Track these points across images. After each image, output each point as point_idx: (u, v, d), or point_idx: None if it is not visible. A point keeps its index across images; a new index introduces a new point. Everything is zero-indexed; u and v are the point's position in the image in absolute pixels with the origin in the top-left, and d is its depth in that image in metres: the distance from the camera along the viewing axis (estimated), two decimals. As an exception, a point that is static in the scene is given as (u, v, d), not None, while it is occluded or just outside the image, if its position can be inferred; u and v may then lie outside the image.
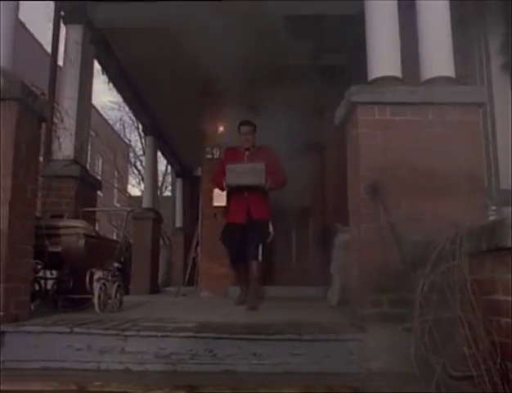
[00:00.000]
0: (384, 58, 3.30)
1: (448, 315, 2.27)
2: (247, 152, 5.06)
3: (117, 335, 2.84)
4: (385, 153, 3.09)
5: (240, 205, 4.90)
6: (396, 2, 3.31)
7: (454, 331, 2.22)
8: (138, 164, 23.68)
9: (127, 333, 2.84)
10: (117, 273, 4.31)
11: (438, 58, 3.27)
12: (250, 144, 5.07)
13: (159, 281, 10.19)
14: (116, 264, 4.35)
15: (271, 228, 4.96)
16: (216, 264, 6.48)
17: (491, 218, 2.47)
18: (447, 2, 3.30)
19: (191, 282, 7.90)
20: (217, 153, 7.02)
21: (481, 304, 2.08)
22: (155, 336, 2.82)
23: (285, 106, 5.64)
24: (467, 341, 2.11)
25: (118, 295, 4.19)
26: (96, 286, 3.86)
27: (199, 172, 9.74)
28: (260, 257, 4.76)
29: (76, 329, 2.91)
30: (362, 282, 2.95)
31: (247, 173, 4.82)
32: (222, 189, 5.05)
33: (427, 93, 3.16)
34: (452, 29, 3.30)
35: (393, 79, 3.23)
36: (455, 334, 2.22)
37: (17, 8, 3.52)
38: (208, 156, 7.17)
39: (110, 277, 4.12)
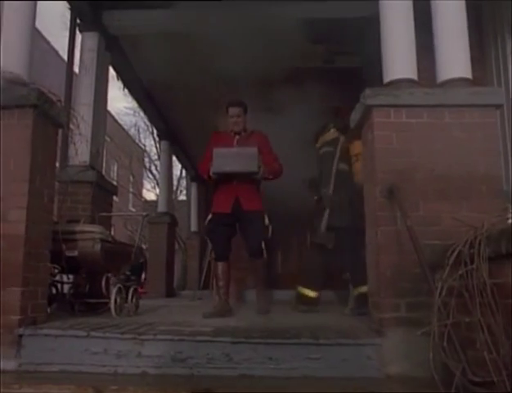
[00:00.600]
0: (399, 60, 3.27)
1: (467, 319, 2.25)
2: (237, 136, 4.48)
3: (133, 339, 2.85)
4: (401, 156, 3.07)
5: (227, 194, 4.30)
6: (411, 3, 3.29)
7: (473, 335, 2.20)
8: (153, 168, 23.87)
9: (143, 337, 2.85)
10: (133, 278, 4.34)
11: (455, 60, 3.23)
12: (240, 127, 4.49)
13: (175, 284, 10.21)
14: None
15: (267, 221, 4.38)
16: (230, 269, 6.48)
17: (511, 221, 2.43)
18: (463, 3, 3.27)
19: (207, 285, 7.91)
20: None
21: (501, 309, 2.05)
22: (172, 340, 2.82)
23: (301, 109, 5.62)
24: (487, 346, 2.08)
25: (134, 299, 4.21)
26: (113, 290, 3.88)
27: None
28: (265, 253, 4.31)
29: (93, 333, 2.93)
30: (379, 285, 2.93)
31: (237, 158, 4.22)
32: (209, 178, 4.36)
33: (443, 95, 3.12)
34: (468, 29, 3.27)
35: (409, 81, 3.20)
36: (474, 339, 2.19)
37: (34, 16, 3.57)
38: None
39: (126, 281, 4.14)
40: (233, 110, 4.48)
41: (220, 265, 4.33)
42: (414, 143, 3.09)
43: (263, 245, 4.25)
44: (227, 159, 4.18)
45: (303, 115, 5.58)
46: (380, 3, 3.36)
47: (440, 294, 2.36)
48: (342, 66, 6.29)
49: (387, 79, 3.28)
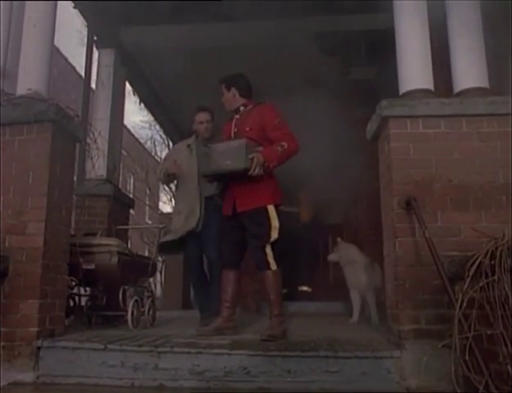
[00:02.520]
0: (415, 71, 3.25)
1: (489, 332, 2.20)
2: (236, 117, 3.73)
3: (150, 351, 2.85)
4: (419, 166, 3.04)
5: (228, 194, 3.64)
6: (426, 14, 3.29)
7: (496, 348, 2.15)
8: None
9: (160, 350, 2.85)
10: (150, 289, 4.35)
11: (471, 69, 3.21)
12: (234, 106, 3.74)
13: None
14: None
15: (273, 218, 3.45)
16: (247, 279, 6.44)
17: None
18: (479, 12, 3.26)
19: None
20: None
21: (524, 321, 2.01)
22: (189, 353, 2.81)
23: (317, 120, 5.61)
24: (510, 359, 2.04)
25: (151, 312, 4.21)
26: (129, 302, 3.89)
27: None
28: (273, 264, 3.39)
29: (110, 346, 2.93)
30: (398, 297, 2.89)
31: (221, 155, 3.42)
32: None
33: (460, 105, 3.09)
34: (485, 37, 3.25)
35: (425, 91, 3.18)
36: (497, 352, 2.14)
37: (53, 33, 3.64)
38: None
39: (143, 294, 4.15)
40: (221, 85, 3.79)
41: (225, 274, 3.60)
42: (431, 153, 3.06)
43: (270, 253, 3.40)
44: (211, 157, 3.47)
45: (318, 128, 5.57)
46: (395, 15, 3.36)
47: (461, 306, 2.33)
48: (357, 78, 6.29)
49: (403, 89, 3.27)
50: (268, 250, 3.40)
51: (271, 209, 3.47)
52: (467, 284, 2.34)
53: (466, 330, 2.29)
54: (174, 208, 4.37)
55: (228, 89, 3.74)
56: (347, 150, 5.90)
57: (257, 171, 3.31)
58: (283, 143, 3.42)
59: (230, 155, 3.37)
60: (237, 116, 3.71)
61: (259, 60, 5.37)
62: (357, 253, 4.77)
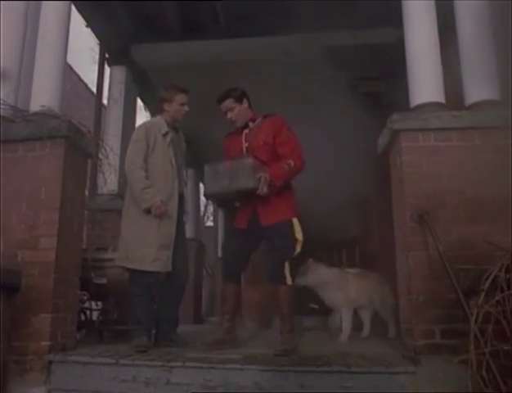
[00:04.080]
0: (426, 84, 3.26)
1: (506, 347, 2.17)
2: (245, 131, 3.61)
3: (162, 366, 2.83)
4: (431, 180, 3.03)
5: (244, 205, 3.53)
6: (436, 27, 3.30)
7: (513, 363, 2.11)
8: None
9: (172, 364, 2.83)
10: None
11: (482, 82, 3.21)
12: (242, 121, 3.60)
13: (203, 311, 10.16)
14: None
15: (298, 231, 3.42)
16: (259, 293, 6.39)
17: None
18: (490, 25, 3.26)
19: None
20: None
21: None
22: (201, 368, 2.79)
23: (327, 135, 5.61)
24: (529, 375, 2.00)
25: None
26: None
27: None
28: (289, 279, 3.34)
29: (121, 360, 2.92)
30: (412, 311, 2.85)
31: (229, 174, 3.36)
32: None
33: (472, 117, 3.09)
34: (496, 49, 3.25)
35: (437, 104, 3.18)
36: (515, 367, 2.11)
37: (66, 51, 3.70)
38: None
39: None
40: (222, 107, 3.63)
41: (227, 286, 3.56)
42: (443, 166, 3.05)
43: (287, 267, 3.35)
44: (218, 177, 3.41)
45: (328, 143, 5.58)
46: (405, 28, 3.38)
47: (476, 320, 2.29)
48: (367, 92, 6.30)
49: (414, 103, 3.27)
50: (287, 264, 3.35)
51: (295, 222, 3.44)
52: (482, 298, 2.31)
53: (483, 345, 2.25)
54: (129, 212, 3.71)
55: (240, 102, 3.59)
56: (357, 163, 5.89)
57: (264, 190, 3.28)
58: (290, 161, 3.39)
59: (237, 174, 3.32)
60: (247, 131, 3.60)
61: (270, 76, 5.41)
62: (327, 272, 4.28)
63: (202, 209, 19.92)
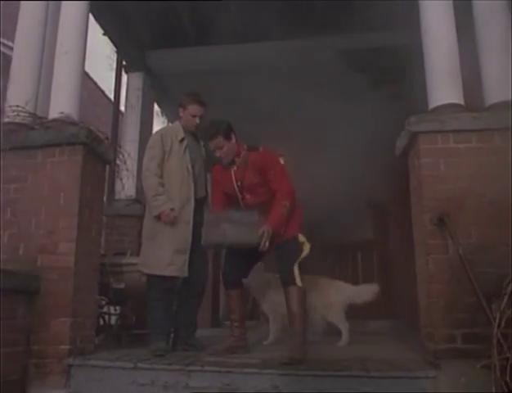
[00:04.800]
0: (444, 86, 3.22)
1: (530, 352, 2.12)
2: (233, 168, 3.52)
3: (180, 370, 2.84)
4: (450, 182, 2.99)
5: None
6: (454, 29, 3.26)
7: (538, 368, 2.07)
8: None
9: (190, 368, 2.83)
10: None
11: (502, 82, 3.16)
12: (230, 158, 3.50)
13: (220, 314, 10.15)
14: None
15: (302, 240, 3.47)
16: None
17: None
18: (509, 23, 3.22)
19: (253, 315, 7.80)
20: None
21: None
22: (219, 372, 2.79)
23: (346, 138, 5.58)
24: (554, 380, 1.95)
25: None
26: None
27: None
28: (299, 280, 3.32)
29: (140, 364, 2.94)
30: (432, 315, 2.81)
31: (231, 227, 3.29)
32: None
33: (491, 119, 3.04)
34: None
35: (455, 106, 3.14)
36: (539, 372, 2.06)
37: (84, 59, 3.74)
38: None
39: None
40: (211, 145, 3.52)
41: (231, 293, 3.57)
42: (463, 169, 3.01)
43: (297, 268, 3.35)
44: (219, 228, 3.31)
45: (348, 145, 5.54)
46: (423, 29, 3.34)
47: (499, 325, 2.25)
48: (385, 94, 6.25)
49: (432, 104, 3.24)
50: (296, 265, 3.35)
51: (301, 237, 3.46)
52: (505, 302, 2.27)
53: (506, 350, 2.21)
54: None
55: (229, 138, 3.47)
56: (375, 166, 5.85)
57: (267, 245, 3.26)
58: (285, 202, 3.35)
59: (241, 228, 3.27)
60: (235, 168, 3.51)
61: (286, 80, 5.40)
62: (252, 277, 3.95)
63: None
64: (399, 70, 5.32)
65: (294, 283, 3.31)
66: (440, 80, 3.23)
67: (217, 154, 3.49)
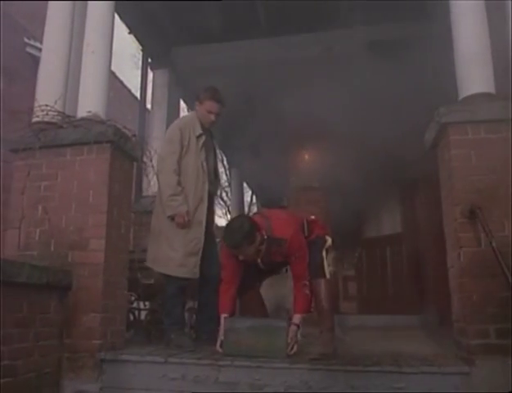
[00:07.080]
0: (474, 74, 3.14)
1: None
2: (260, 260, 3.29)
3: (211, 365, 2.85)
4: (482, 174, 2.91)
5: None
6: (485, 15, 3.16)
7: None
8: (224, 195, 24.15)
9: (220, 363, 2.85)
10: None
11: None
12: (257, 256, 3.24)
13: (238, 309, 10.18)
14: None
15: (327, 241, 3.39)
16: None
17: None
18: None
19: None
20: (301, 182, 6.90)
21: None
22: (249, 367, 2.79)
23: (369, 135, 5.50)
24: None
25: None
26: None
27: (284, 202, 9.76)
28: (328, 273, 3.22)
29: (170, 359, 2.95)
30: (465, 310, 2.76)
31: (254, 336, 3.04)
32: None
33: (524, 108, 2.95)
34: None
35: (486, 95, 3.06)
36: None
37: (110, 58, 3.78)
38: (293, 186, 7.15)
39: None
40: (235, 253, 3.22)
41: (243, 297, 3.52)
42: (494, 160, 2.93)
43: (325, 259, 3.26)
44: (241, 336, 3.07)
45: (373, 141, 5.46)
46: (453, 18, 3.26)
47: (534, 320, 2.19)
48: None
49: (462, 94, 3.16)
50: (324, 257, 3.29)
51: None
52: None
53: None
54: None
55: (252, 242, 3.12)
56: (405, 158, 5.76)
57: (295, 349, 3.06)
58: (305, 282, 3.20)
59: (266, 336, 3.02)
60: (260, 260, 3.29)
61: (312, 73, 5.35)
62: None
63: (246, 209, 19.98)
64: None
65: (324, 275, 3.21)
66: (471, 69, 3.15)
67: (241, 258, 3.23)
